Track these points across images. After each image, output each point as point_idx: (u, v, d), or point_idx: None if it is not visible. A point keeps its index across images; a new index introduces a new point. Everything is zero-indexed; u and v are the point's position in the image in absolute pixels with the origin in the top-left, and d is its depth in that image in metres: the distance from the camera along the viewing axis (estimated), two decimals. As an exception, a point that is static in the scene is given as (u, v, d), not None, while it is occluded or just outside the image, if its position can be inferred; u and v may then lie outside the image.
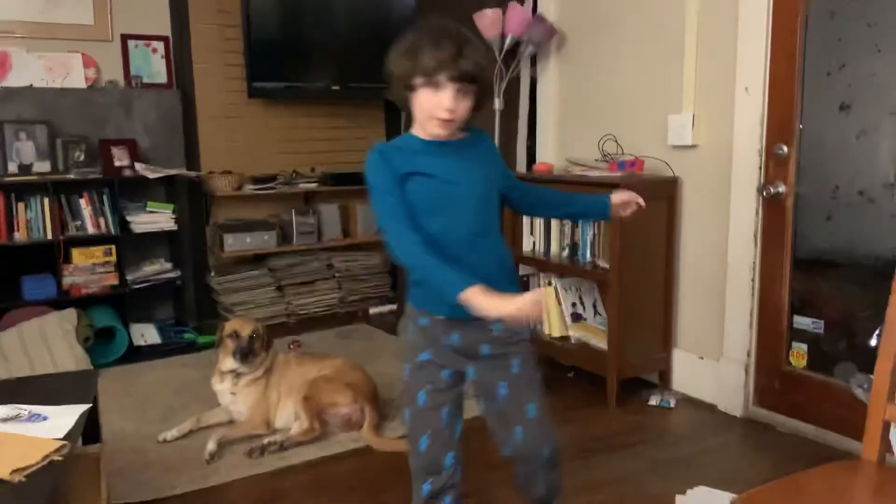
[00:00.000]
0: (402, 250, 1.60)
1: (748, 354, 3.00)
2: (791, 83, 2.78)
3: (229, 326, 2.91)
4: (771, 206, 2.89)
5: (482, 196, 1.69)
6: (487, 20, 3.70)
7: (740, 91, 2.92)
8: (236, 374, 2.89)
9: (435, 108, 1.59)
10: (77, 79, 4.14)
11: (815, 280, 2.82)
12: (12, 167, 3.94)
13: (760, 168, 2.89)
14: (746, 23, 2.87)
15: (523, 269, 3.77)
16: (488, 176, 1.72)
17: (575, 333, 3.45)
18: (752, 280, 2.96)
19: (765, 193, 2.87)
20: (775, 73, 2.82)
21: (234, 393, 2.89)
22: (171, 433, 2.85)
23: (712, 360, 3.14)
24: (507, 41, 3.73)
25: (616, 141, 3.48)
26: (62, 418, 1.75)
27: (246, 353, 2.83)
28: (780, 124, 2.83)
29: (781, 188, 2.83)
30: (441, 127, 1.62)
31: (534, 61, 3.96)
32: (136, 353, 3.96)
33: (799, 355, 2.86)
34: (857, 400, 2.58)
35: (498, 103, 3.83)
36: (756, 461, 2.67)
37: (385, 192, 1.62)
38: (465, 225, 1.65)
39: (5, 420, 1.73)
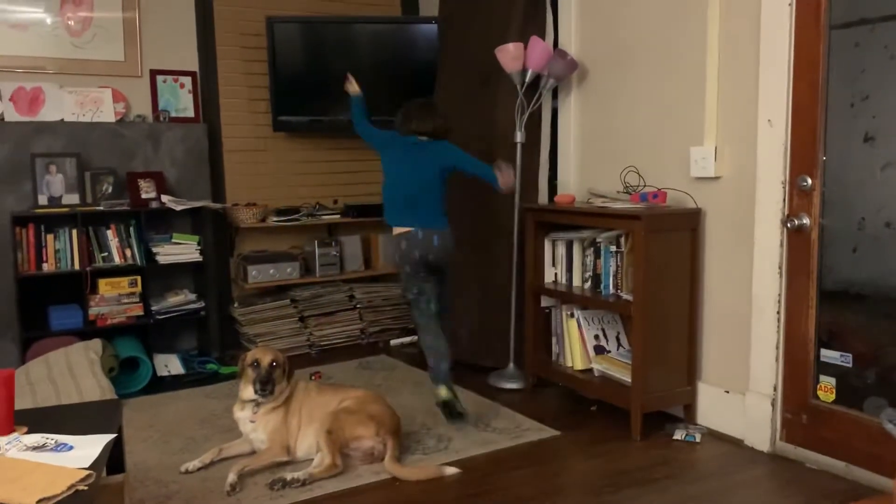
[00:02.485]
0: None
1: (775, 388, 2.96)
2: (814, 114, 2.78)
3: (251, 356, 2.93)
4: (795, 238, 2.87)
5: None
6: (509, 55, 3.75)
7: (763, 122, 2.92)
8: (256, 403, 2.90)
9: None
10: (107, 113, 4.24)
11: (843, 313, 2.78)
12: (42, 199, 4.03)
13: (784, 200, 2.88)
14: (768, 54, 2.88)
15: (545, 301, 3.77)
16: None
17: (598, 366, 3.42)
18: (778, 313, 2.93)
19: (789, 225, 2.85)
20: (798, 104, 2.82)
21: (253, 421, 2.90)
22: (194, 464, 2.86)
23: (738, 394, 3.10)
24: (529, 75, 3.77)
25: (638, 173, 3.48)
26: (88, 448, 1.77)
27: (265, 381, 2.84)
28: (803, 156, 2.82)
29: (806, 220, 2.82)
30: None
31: (555, 94, 4.00)
32: (160, 384, 3.99)
33: (827, 389, 2.81)
34: (889, 436, 2.53)
35: (520, 136, 3.86)
36: (784, 498, 2.62)
37: None
38: None
39: (33, 449, 1.74)
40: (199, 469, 2.84)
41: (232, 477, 2.70)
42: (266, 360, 2.88)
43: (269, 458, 2.84)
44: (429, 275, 3.35)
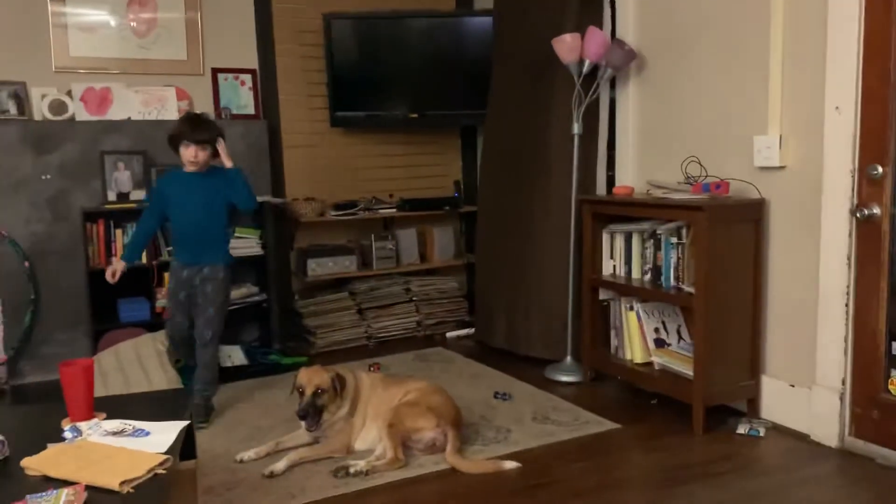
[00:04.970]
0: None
1: (843, 382, 2.88)
2: (885, 101, 2.69)
3: (298, 379, 2.90)
4: (865, 229, 2.79)
5: (202, 203, 3.36)
6: (566, 45, 3.72)
7: (830, 110, 2.84)
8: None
9: (185, 157, 3.31)
10: (171, 111, 4.35)
11: (916, 305, 2.70)
12: (111, 195, 4.16)
13: (853, 189, 2.80)
14: (836, 39, 2.80)
15: (603, 294, 3.74)
16: (209, 194, 3.36)
17: (658, 359, 3.38)
18: (846, 305, 2.85)
19: (858, 215, 2.77)
20: (868, 91, 2.74)
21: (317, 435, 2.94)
22: (249, 454, 2.90)
23: (804, 388, 3.03)
24: (586, 66, 3.74)
25: (699, 163, 3.42)
26: (163, 434, 1.84)
27: (305, 415, 2.83)
28: (873, 144, 2.74)
29: (876, 210, 2.73)
30: (191, 167, 3.34)
31: (613, 84, 3.95)
32: (224, 374, 4.07)
33: (899, 384, 2.73)
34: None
35: (577, 127, 3.83)
36: (854, 495, 2.56)
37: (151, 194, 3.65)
38: (190, 219, 3.39)
39: (112, 434, 1.82)
40: (253, 460, 2.88)
41: (282, 464, 2.76)
42: (310, 388, 2.84)
43: (327, 453, 2.89)
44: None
